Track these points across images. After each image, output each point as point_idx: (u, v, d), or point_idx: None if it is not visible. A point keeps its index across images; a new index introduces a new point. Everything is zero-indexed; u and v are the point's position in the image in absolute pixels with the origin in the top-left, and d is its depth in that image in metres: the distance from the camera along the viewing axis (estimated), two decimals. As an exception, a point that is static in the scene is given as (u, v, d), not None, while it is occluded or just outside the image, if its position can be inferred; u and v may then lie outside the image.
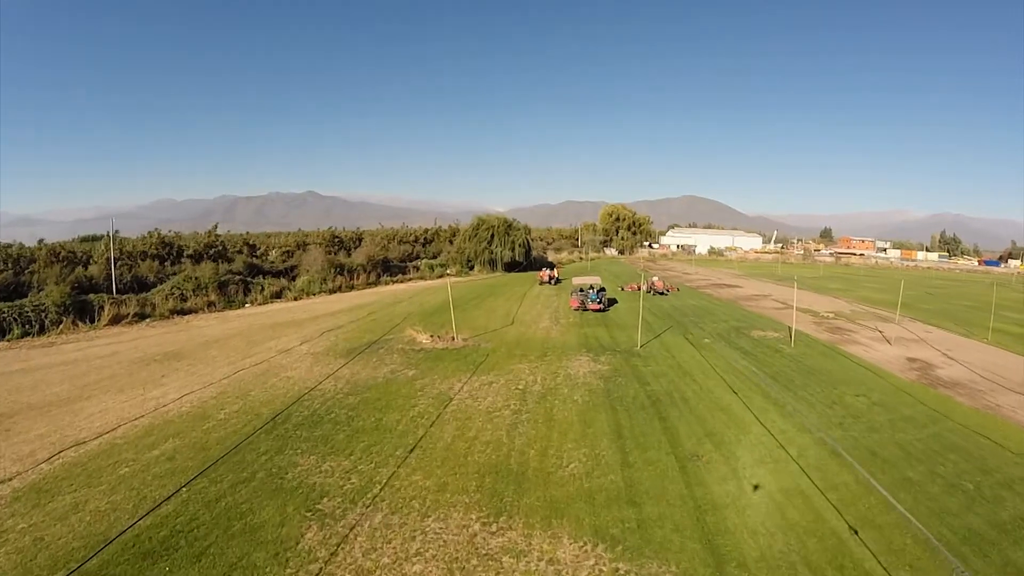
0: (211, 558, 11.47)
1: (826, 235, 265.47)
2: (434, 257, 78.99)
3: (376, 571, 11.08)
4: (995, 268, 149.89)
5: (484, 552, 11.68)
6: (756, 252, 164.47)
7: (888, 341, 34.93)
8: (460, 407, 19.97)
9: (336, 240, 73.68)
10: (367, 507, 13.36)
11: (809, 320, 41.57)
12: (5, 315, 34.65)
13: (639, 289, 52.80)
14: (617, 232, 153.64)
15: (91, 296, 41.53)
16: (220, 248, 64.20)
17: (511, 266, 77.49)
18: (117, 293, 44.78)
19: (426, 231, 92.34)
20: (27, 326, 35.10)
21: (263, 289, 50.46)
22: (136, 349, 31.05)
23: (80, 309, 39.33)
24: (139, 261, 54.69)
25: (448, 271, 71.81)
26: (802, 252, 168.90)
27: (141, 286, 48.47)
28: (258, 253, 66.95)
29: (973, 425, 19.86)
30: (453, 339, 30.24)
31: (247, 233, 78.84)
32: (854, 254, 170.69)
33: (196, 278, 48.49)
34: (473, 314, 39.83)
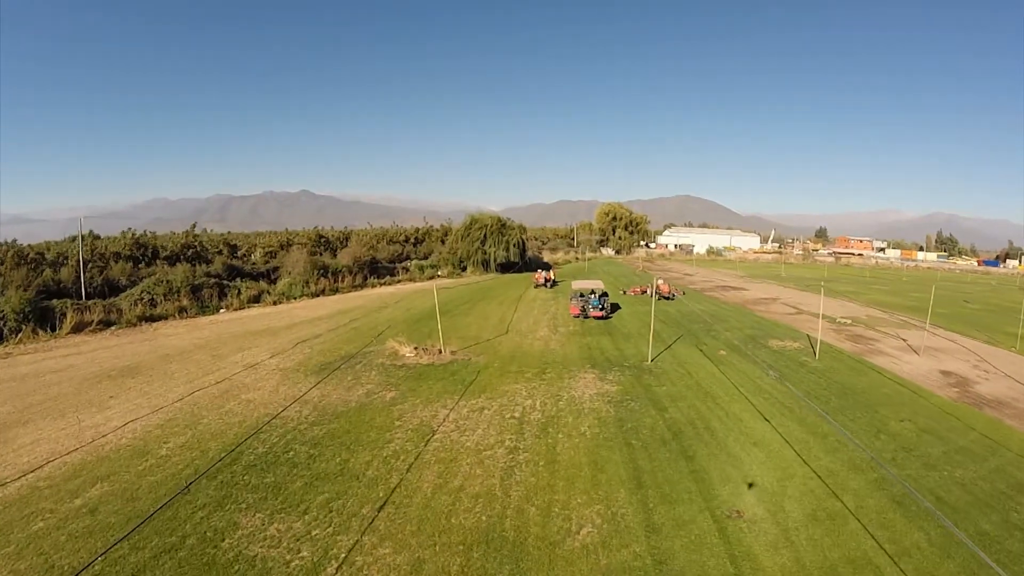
0: None
1: (821, 235, 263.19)
2: (425, 258, 75.60)
3: None
4: (995, 268, 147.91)
5: None
6: (755, 252, 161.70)
7: (915, 351, 31.94)
8: (444, 443, 16.64)
9: (322, 240, 70.17)
10: (314, 603, 10.10)
11: (826, 327, 38.49)
12: (-47, 324, 31.35)
13: (643, 293, 49.66)
14: (614, 232, 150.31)
15: (54, 302, 38.27)
16: (198, 249, 60.78)
17: (505, 267, 74.20)
18: (86, 298, 41.52)
19: (417, 230, 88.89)
20: (-16, 335, 31.85)
21: (240, 293, 47.01)
22: (93, 362, 27.75)
23: (41, 316, 35.95)
24: (112, 263, 51.40)
25: (439, 272, 68.41)
26: (801, 252, 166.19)
27: (113, 290, 45.08)
28: (239, 254, 63.48)
29: (1034, 456, 16.89)
30: (440, 352, 26.90)
31: (228, 233, 75.29)
32: (853, 254, 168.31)
33: (168, 281, 45.05)
34: (464, 321, 36.54)
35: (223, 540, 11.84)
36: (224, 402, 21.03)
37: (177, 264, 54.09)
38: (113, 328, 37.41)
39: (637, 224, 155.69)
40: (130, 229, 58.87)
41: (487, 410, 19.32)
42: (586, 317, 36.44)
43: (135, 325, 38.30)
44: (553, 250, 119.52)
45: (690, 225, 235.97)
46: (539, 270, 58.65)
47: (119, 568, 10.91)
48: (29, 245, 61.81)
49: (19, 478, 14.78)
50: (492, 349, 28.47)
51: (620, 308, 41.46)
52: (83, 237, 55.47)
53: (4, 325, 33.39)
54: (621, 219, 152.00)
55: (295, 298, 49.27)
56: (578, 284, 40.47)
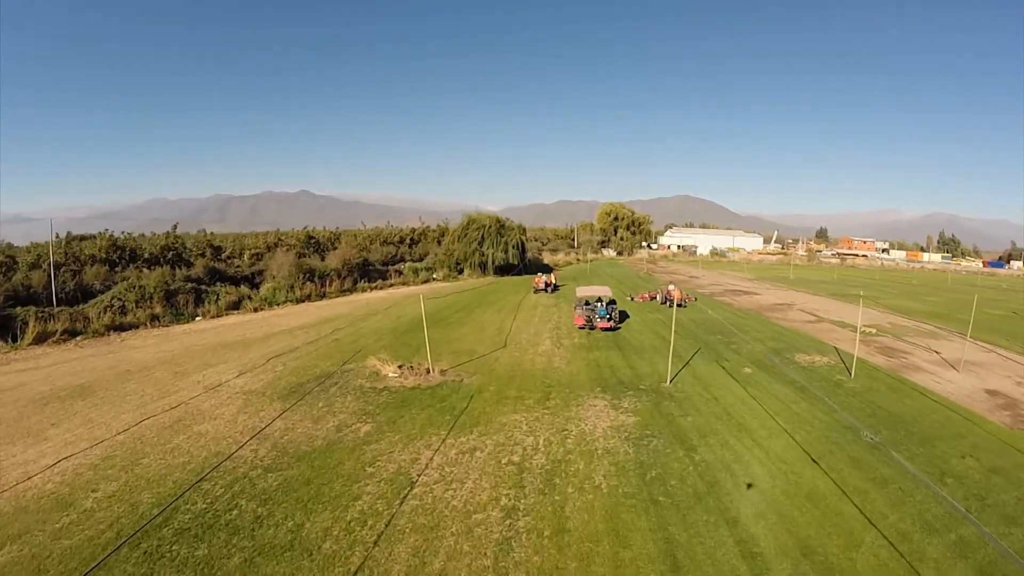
0: None
1: (822, 235, 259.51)
2: (420, 260, 72.25)
3: None
4: (1000, 270, 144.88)
5: None
6: (759, 253, 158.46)
7: (953, 366, 28.76)
8: (425, 501, 13.32)
9: (312, 241, 66.81)
10: None
11: (850, 337, 35.33)
12: None
13: (651, 299, 46.36)
14: (615, 232, 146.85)
15: (18, 310, 35.19)
16: (180, 251, 57.47)
17: (504, 269, 70.87)
18: (57, 304, 38.42)
19: (412, 231, 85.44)
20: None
21: (218, 299, 43.75)
22: (46, 380, 24.72)
23: (2, 326, 33.03)
24: (86, 267, 48.19)
25: (434, 275, 65.03)
26: (805, 253, 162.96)
27: (86, 295, 41.91)
28: (223, 256, 60.10)
29: None
30: (428, 372, 23.55)
31: (211, 234, 71.84)
32: (857, 255, 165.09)
33: (140, 287, 41.86)
34: (458, 332, 33.25)
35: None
36: (173, 435, 17.82)
37: (156, 268, 50.96)
38: (78, 339, 34.46)
39: (639, 224, 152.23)
40: (106, 230, 55.60)
41: (480, 451, 16.00)
42: (592, 328, 33.05)
43: (103, 335, 35.30)
44: (553, 251, 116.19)
45: (691, 225, 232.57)
46: (539, 273, 55.27)
47: None
48: (9, 244, 58.95)
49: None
50: (488, 367, 25.15)
51: (628, 317, 38.08)
52: (59, 239, 52.44)
53: (-37, 335, 30.52)
54: (623, 219, 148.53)
55: (278, 304, 46.04)
56: (583, 291, 36.99)
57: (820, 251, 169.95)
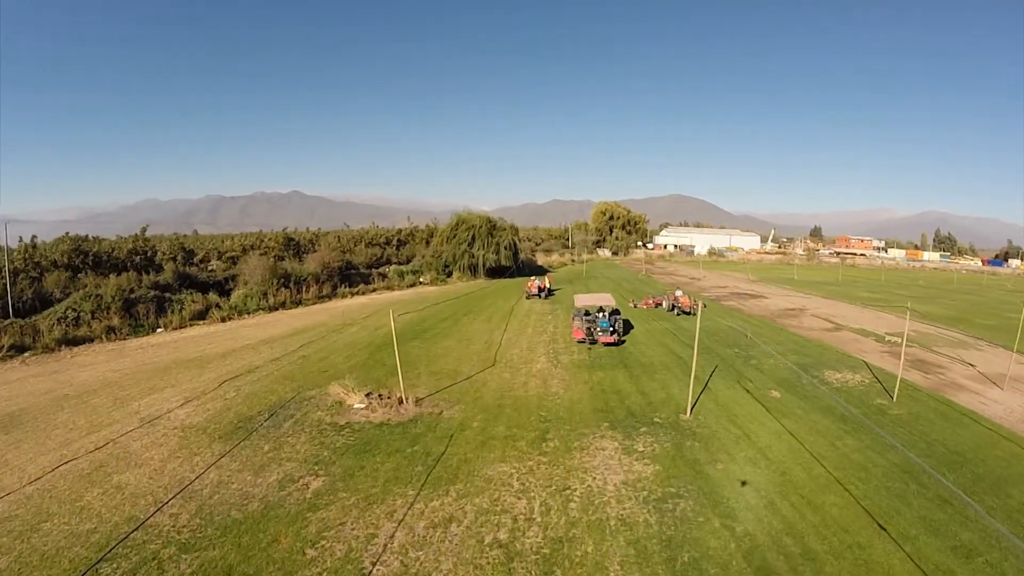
0: None
1: (816, 233, 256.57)
2: (407, 262, 68.44)
3: None
4: (1000, 268, 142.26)
5: None
6: (758, 252, 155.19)
7: (994, 382, 25.49)
8: (377, 611, 9.72)
9: (292, 244, 62.92)
10: None
11: (876, 347, 32.09)
12: None
13: (656, 306, 42.72)
14: (611, 231, 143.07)
15: (-39, 323, 31.77)
16: (148, 254, 53.61)
17: (495, 271, 67.13)
18: (14, 315, 35.12)
19: (399, 232, 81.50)
20: None
21: (182, 308, 39.98)
22: (-27, 406, 21.27)
23: (-58, 341, 29.64)
24: (47, 273, 44.46)
25: (421, 279, 61.21)
26: (803, 252, 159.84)
27: (44, 304, 38.24)
28: (196, 260, 56.24)
29: None
30: (401, 402, 19.86)
31: (183, 236, 68.02)
32: (855, 254, 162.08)
33: (97, 296, 38.10)
34: (441, 347, 29.54)
35: None
36: (88, 487, 14.42)
37: (122, 273, 47.16)
38: (26, 355, 31.04)
39: (635, 224, 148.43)
40: (67, 233, 51.66)
41: (457, 524, 12.31)
42: (593, 343, 29.39)
43: (53, 350, 31.80)
44: (547, 251, 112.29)
45: (686, 224, 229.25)
46: (532, 277, 51.39)
47: None
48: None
49: None
50: (473, 393, 21.47)
51: (632, 327, 34.37)
52: (22, 244, 48.55)
53: None
54: (618, 218, 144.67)
55: (250, 313, 42.27)
56: (582, 299, 33.46)
57: (818, 250, 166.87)
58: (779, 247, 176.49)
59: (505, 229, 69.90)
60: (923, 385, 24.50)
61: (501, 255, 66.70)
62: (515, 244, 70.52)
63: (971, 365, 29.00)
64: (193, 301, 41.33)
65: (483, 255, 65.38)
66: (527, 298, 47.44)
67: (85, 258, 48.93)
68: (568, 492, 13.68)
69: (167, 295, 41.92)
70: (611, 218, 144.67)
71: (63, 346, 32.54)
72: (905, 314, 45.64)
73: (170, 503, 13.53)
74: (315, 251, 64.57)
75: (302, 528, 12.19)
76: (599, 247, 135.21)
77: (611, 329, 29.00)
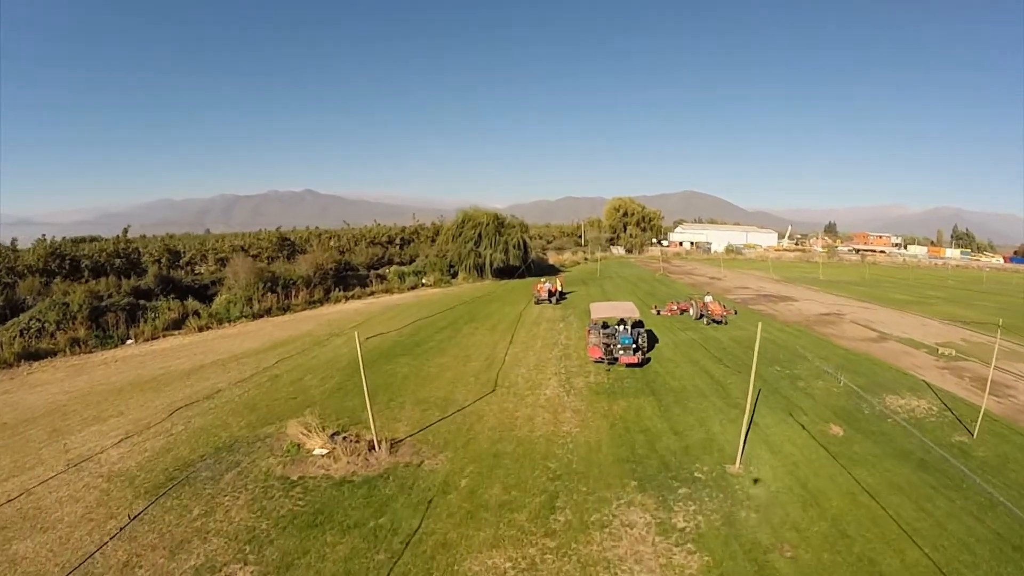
0: None
1: (831, 230, 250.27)
2: (410, 262, 64.42)
3: None
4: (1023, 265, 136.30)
5: None
6: (776, 249, 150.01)
7: (1080, 408, 21.19)
8: None
9: (286, 243, 59.08)
10: None
11: (931, 363, 27.74)
12: None
13: (681, 312, 38.34)
14: (625, 229, 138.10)
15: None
16: (131, 257, 50.05)
17: (504, 272, 62.98)
18: None
19: (403, 230, 77.49)
20: None
21: (156, 317, 36.32)
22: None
23: None
24: (21, 279, 41.11)
25: (424, 280, 57.09)
26: (822, 249, 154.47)
27: (15, 312, 34.93)
28: (182, 262, 52.56)
29: None
30: (372, 448, 15.78)
31: (170, 236, 64.43)
32: (874, 250, 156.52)
33: (64, 304, 34.57)
34: (434, 364, 25.44)
35: None
36: None
37: (101, 278, 43.68)
38: (-19, 371, 27.66)
39: (650, 220, 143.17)
40: (44, 236, 48.22)
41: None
42: (613, 362, 24.75)
43: (12, 365, 28.53)
44: (559, 250, 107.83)
45: (700, 221, 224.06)
46: (542, 279, 46.82)
47: None
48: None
49: None
50: (466, 432, 17.34)
51: (657, 340, 30.00)
52: (2, 248, 45.18)
53: None
54: (632, 215, 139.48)
55: (231, 321, 38.51)
56: (599, 309, 28.36)
57: (837, 247, 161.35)
58: (796, 244, 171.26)
59: (514, 227, 65.70)
60: (999, 414, 20.17)
61: (510, 254, 62.55)
62: (525, 242, 66.27)
63: (1046, 385, 24.68)
64: (169, 309, 37.65)
65: (490, 254, 61.29)
66: (536, 303, 43.11)
67: (61, 262, 45.51)
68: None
69: (141, 302, 38.31)
70: (625, 215, 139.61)
71: (23, 361, 29.18)
72: (947, 319, 41.58)
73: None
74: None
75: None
76: (613, 245, 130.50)
77: (634, 346, 24.53)
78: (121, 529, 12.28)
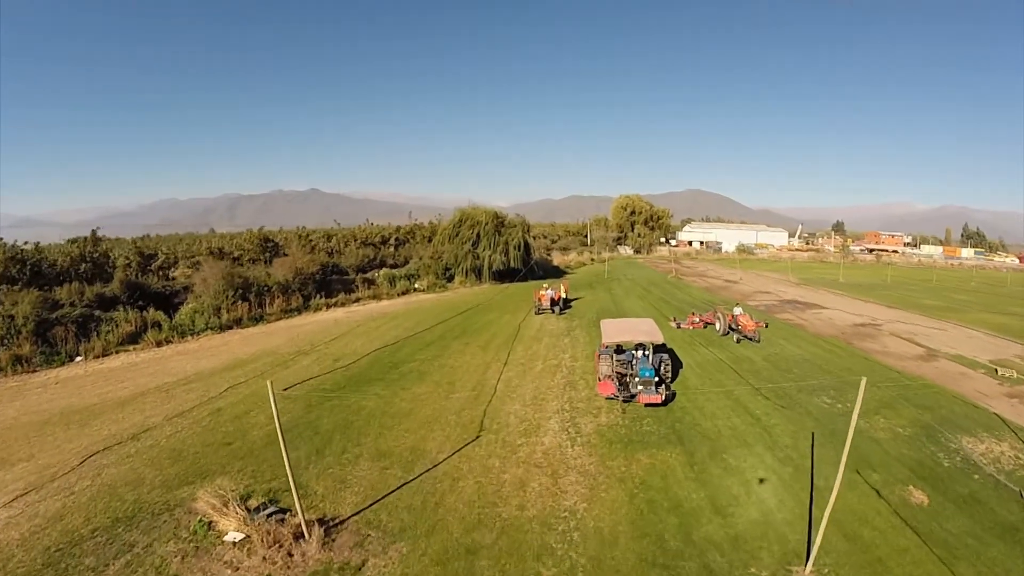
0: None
1: (838, 228, 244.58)
2: (403, 263, 60.08)
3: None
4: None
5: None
6: (789, 249, 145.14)
7: None
8: None
9: (268, 245, 54.80)
10: None
11: (994, 387, 23.48)
12: None
13: (704, 326, 33.87)
14: (632, 227, 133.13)
15: None
16: (99, 261, 45.84)
17: (503, 275, 58.62)
18: None
19: (397, 229, 73.14)
20: None
21: (110, 331, 32.28)
22: None
23: None
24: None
25: (416, 284, 52.65)
26: (834, 249, 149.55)
27: None
28: (155, 266, 48.33)
29: None
30: (301, 536, 11.44)
31: (143, 239, 60.25)
32: (886, 250, 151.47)
33: (10, 317, 30.61)
34: (409, 396, 21.05)
35: None
36: None
37: (64, 284, 39.56)
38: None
39: (658, 219, 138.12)
40: (2, 240, 44.09)
41: None
42: (630, 399, 19.35)
43: None
44: (564, 250, 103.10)
45: (708, 219, 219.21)
46: (544, 285, 41.74)
47: None
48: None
49: None
50: (433, 509, 12.87)
51: (680, 364, 25.35)
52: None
53: None
54: (640, 213, 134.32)
55: (195, 333, 34.34)
56: (612, 330, 22.70)
57: (849, 247, 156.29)
58: (806, 243, 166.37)
59: (515, 226, 61.18)
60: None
61: (510, 256, 58.09)
62: (526, 243, 61.77)
63: None
64: (126, 320, 33.53)
65: (489, 256, 56.87)
66: (536, 313, 38.35)
67: (22, 268, 41.36)
68: None
69: (96, 314, 34.21)
70: (632, 213, 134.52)
71: (-42, 380, 25.37)
72: (990, 330, 36.97)
73: None
74: (307, 253, 56.69)
75: None
76: (620, 244, 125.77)
77: (657, 379, 19.81)
78: None
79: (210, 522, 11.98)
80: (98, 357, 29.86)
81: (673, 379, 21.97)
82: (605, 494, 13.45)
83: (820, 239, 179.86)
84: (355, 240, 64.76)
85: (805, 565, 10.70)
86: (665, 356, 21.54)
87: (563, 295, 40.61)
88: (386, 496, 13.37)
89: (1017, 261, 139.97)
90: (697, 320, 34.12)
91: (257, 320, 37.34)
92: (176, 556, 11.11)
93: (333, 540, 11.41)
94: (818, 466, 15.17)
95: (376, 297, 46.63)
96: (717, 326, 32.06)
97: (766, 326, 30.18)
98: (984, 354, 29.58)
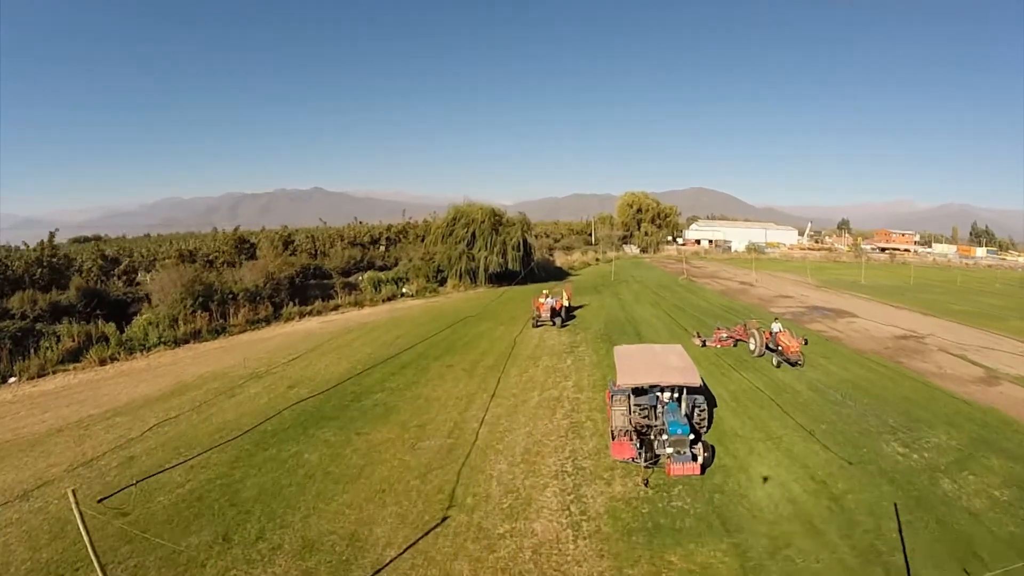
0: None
1: (844, 226, 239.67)
2: (392, 265, 55.54)
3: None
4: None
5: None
6: (800, 248, 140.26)
7: None
8: None
9: (244, 247, 50.30)
10: None
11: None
12: None
13: (734, 343, 28.98)
14: (639, 225, 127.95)
15: None
16: (57, 266, 41.37)
17: (501, 277, 54.11)
18: None
19: (388, 228, 68.50)
20: None
21: (54, 344, 28.16)
22: None
23: None
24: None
25: (404, 289, 48.00)
26: (847, 248, 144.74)
27: None
28: (118, 271, 43.78)
29: None
30: None
31: (105, 240, 56.01)
32: (898, 249, 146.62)
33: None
34: (364, 443, 16.49)
35: None
36: None
37: (17, 292, 35.20)
38: None
39: (666, 216, 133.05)
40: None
41: None
42: (654, 463, 14.28)
43: None
44: (567, 249, 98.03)
45: (713, 217, 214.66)
46: (544, 292, 36.13)
47: None
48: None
49: None
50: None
51: (715, 405, 19.82)
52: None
53: None
54: (647, 211, 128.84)
55: (147, 348, 30.06)
56: (630, 364, 16.75)
57: (860, 245, 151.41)
58: (816, 241, 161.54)
59: (514, 224, 56.46)
60: None
61: (508, 257, 53.46)
62: (526, 243, 57.03)
63: None
64: (69, 335, 29.27)
65: (485, 257, 52.25)
66: (535, 325, 33.37)
67: (-28, 276, 37.11)
68: None
69: (38, 327, 29.95)
70: (639, 211, 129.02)
71: None
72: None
73: None
74: (288, 252, 52.25)
75: None
76: (626, 244, 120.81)
77: (692, 436, 14.34)
78: None
79: None
80: (33, 378, 25.79)
81: (708, 425, 17.15)
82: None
83: (829, 238, 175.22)
84: (342, 240, 60.13)
85: None
86: (700, 399, 16.27)
87: (565, 303, 35.82)
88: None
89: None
90: (725, 336, 29.07)
91: (218, 332, 32.95)
92: None
93: None
94: (914, 563, 10.75)
95: (358, 304, 42.04)
96: (751, 345, 27.18)
97: (805, 343, 25.37)
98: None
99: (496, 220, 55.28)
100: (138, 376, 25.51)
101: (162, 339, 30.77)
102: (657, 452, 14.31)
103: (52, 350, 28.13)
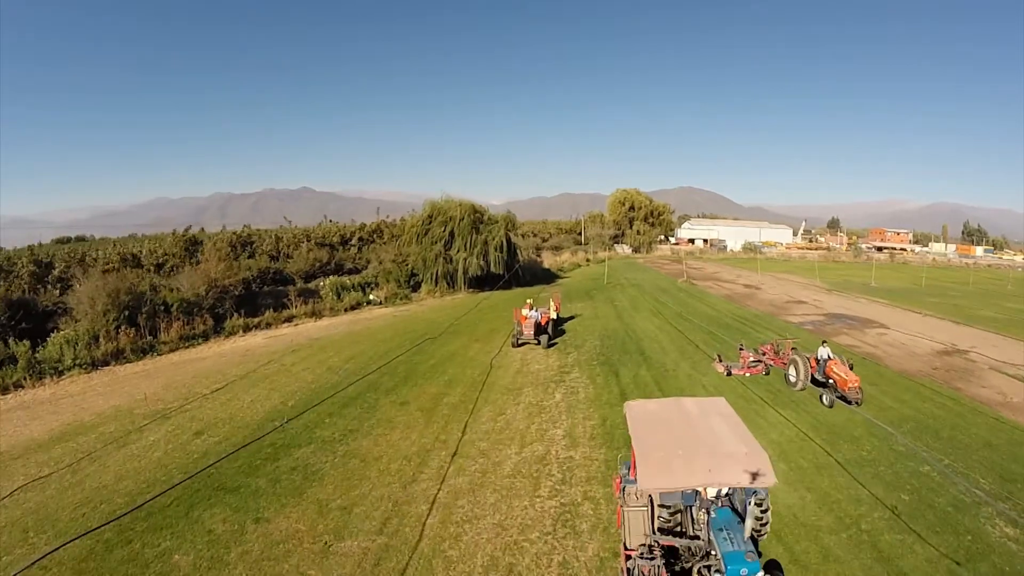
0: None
1: (834, 225, 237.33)
2: (360, 270, 50.31)
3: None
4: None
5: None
6: (797, 248, 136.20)
7: None
8: None
9: (196, 248, 44.91)
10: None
11: None
12: None
13: (766, 370, 23.12)
14: (631, 224, 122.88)
15: None
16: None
17: (482, 281, 49.14)
18: None
19: (361, 227, 63.16)
20: None
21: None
22: None
23: None
24: None
25: (371, 296, 42.74)
26: (845, 247, 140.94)
27: None
28: (51, 277, 38.39)
29: None
30: None
31: (39, 245, 50.68)
32: (895, 248, 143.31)
33: None
34: (258, 543, 11.35)
35: None
36: None
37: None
38: None
39: (659, 215, 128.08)
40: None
41: None
42: None
43: None
44: (556, 249, 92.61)
45: (704, 216, 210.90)
46: (528, 303, 29.88)
47: None
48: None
49: None
50: None
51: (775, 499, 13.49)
52: None
53: None
54: (640, 209, 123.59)
55: (62, 371, 24.91)
56: (650, 435, 9.42)
57: (858, 245, 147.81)
58: (810, 240, 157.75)
59: (496, 222, 51.31)
60: None
61: (490, 258, 48.33)
62: (510, 242, 51.97)
63: None
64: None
65: (464, 259, 47.12)
66: (516, 345, 27.76)
67: None
68: None
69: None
70: (631, 208, 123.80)
71: None
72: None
73: None
74: (248, 257, 46.94)
75: None
76: (617, 243, 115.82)
77: (753, 560, 8.00)
78: None
79: None
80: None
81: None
82: None
83: (822, 237, 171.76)
84: (308, 240, 54.78)
85: None
86: (763, 493, 8.79)
87: (553, 315, 30.57)
88: None
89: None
90: (754, 361, 23.17)
91: (144, 352, 27.72)
92: None
93: None
94: None
95: (315, 315, 36.69)
96: (791, 375, 21.47)
97: (851, 367, 20.17)
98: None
99: (477, 218, 50.14)
100: (36, 410, 20.35)
101: (77, 360, 25.58)
102: (685, 579, 8.87)
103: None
